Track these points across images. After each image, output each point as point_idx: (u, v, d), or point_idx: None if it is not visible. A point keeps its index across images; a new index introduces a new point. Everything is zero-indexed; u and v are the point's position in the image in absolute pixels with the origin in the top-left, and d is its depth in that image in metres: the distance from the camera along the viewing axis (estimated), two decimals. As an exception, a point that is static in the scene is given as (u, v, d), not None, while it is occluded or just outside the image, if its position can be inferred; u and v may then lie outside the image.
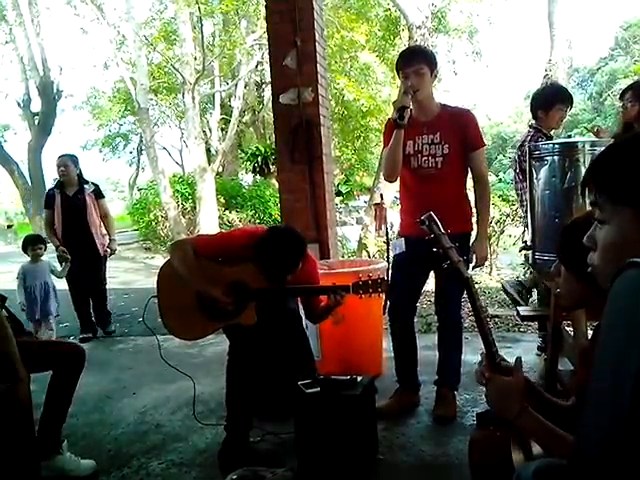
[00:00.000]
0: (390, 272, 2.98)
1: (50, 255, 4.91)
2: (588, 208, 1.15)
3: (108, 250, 4.98)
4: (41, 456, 2.37)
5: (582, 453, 0.84)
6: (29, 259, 4.64)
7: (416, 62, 2.68)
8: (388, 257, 3.12)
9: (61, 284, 4.81)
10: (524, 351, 3.76)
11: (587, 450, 0.82)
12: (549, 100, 3.39)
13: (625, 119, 3.38)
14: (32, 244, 4.64)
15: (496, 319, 4.83)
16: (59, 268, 4.74)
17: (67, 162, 4.82)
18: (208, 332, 2.64)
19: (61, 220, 4.81)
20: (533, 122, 3.50)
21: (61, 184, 4.88)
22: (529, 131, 3.46)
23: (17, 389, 2.08)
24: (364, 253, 8.15)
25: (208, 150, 14.84)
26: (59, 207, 4.81)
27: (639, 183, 0.90)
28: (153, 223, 12.88)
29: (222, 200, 12.81)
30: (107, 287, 5.21)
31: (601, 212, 0.97)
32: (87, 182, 4.95)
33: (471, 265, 2.84)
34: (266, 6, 4.26)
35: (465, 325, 3.12)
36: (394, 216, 7.62)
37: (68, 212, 4.81)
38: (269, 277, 2.48)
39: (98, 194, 4.99)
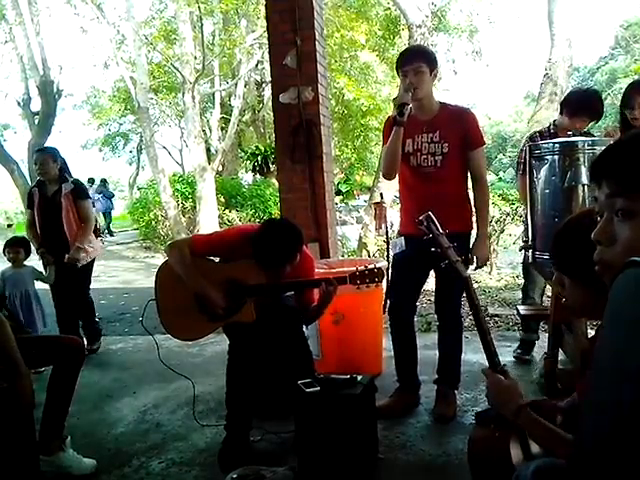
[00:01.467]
0: (390, 271, 2.98)
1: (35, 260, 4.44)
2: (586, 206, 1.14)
3: (66, 257, 4.14)
4: (42, 451, 2.37)
5: (581, 452, 0.84)
6: (10, 264, 4.13)
7: (415, 61, 2.68)
8: (388, 256, 3.12)
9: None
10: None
11: (586, 449, 0.82)
12: (576, 108, 3.23)
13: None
14: (9, 246, 4.11)
15: (496, 318, 4.83)
16: (45, 273, 4.28)
17: (45, 158, 4.20)
18: (207, 332, 2.65)
19: (39, 222, 4.27)
20: (555, 120, 3.46)
21: (41, 182, 4.28)
22: (545, 129, 3.47)
23: (19, 386, 2.09)
24: (364, 252, 8.14)
25: (208, 149, 14.84)
26: (37, 208, 4.27)
27: None
28: (153, 222, 12.88)
29: (222, 199, 12.80)
30: (92, 299, 4.56)
31: (629, 203, 0.89)
32: (67, 180, 4.24)
33: (472, 266, 2.83)
34: (266, 5, 4.25)
35: (465, 324, 3.12)
36: (394, 215, 7.61)
37: (46, 214, 4.23)
38: (266, 268, 2.46)
39: (78, 194, 4.25)
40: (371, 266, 2.54)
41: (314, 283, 2.65)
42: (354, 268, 2.56)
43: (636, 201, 0.88)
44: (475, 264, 2.84)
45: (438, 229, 1.58)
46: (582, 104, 3.27)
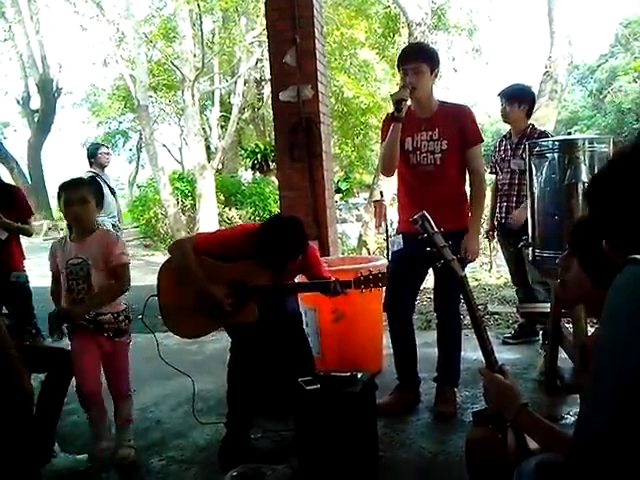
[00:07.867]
0: (389, 269, 2.98)
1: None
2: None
3: None
4: (41, 462, 2.36)
5: (581, 447, 0.84)
6: None
7: (415, 60, 2.68)
8: (388, 254, 3.12)
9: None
10: (524, 348, 3.77)
11: (586, 444, 0.82)
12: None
13: None
14: None
15: (496, 316, 4.83)
16: None
17: None
18: (209, 330, 2.64)
19: None
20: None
21: None
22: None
23: (20, 386, 2.08)
24: (364, 250, 8.15)
25: (208, 147, 14.83)
26: None
27: None
28: (153, 220, 12.87)
29: (222, 197, 12.80)
30: None
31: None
32: None
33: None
34: (265, 3, 4.25)
35: (465, 322, 3.11)
36: (394, 213, 7.62)
37: None
38: (270, 264, 2.45)
39: None
40: (375, 271, 2.52)
41: (321, 287, 2.63)
42: (354, 266, 2.55)
43: None
44: (466, 259, 2.83)
45: (433, 228, 1.56)
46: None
